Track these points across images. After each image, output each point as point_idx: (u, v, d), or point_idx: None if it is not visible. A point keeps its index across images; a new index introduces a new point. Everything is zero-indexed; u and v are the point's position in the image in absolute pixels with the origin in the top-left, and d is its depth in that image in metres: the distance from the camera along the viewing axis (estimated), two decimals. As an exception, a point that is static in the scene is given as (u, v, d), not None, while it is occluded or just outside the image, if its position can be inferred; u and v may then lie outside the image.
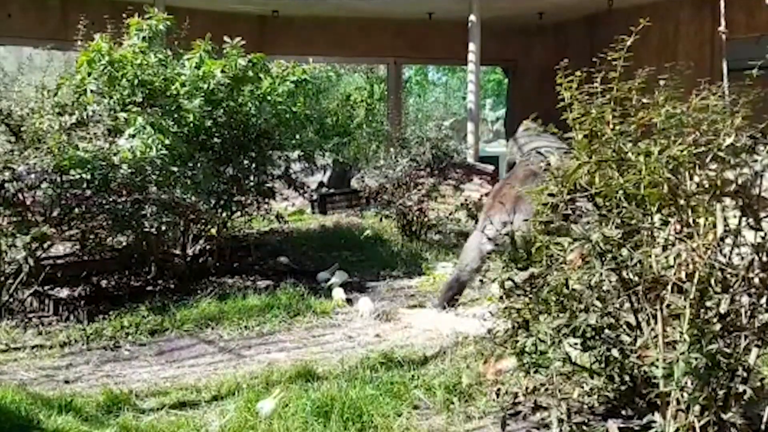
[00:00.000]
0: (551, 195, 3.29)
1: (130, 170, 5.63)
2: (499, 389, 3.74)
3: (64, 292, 6.15)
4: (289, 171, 7.65)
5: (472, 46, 14.04)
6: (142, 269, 6.64)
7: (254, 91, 6.80)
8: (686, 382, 2.62)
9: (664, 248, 2.78)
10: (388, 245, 8.15)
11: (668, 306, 2.71)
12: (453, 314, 5.60)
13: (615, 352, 3.15)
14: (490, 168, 12.39)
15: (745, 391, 2.74)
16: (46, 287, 5.96)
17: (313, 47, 14.94)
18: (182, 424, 3.54)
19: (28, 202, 5.59)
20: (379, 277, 7.02)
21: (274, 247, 7.73)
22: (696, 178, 2.91)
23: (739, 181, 2.84)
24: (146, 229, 5.89)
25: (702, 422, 2.62)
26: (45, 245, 5.46)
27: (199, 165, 6.29)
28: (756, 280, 2.86)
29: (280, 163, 7.57)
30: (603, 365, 3.29)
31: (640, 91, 3.23)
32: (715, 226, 2.83)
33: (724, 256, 2.90)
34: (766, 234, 2.90)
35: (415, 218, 8.32)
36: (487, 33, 14.19)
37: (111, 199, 5.66)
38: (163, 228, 6.16)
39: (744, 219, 2.91)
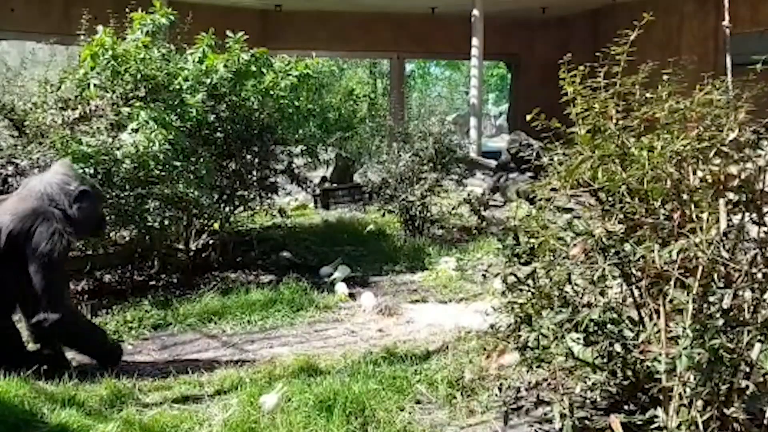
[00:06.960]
0: (554, 190, 3.28)
1: (133, 165, 5.64)
2: (501, 384, 3.74)
3: (67, 287, 6.15)
4: (291, 166, 7.64)
5: (475, 41, 14.02)
6: (145, 264, 6.64)
7: (257, 85, 6.79)
8: (689, 378, 2.62)
9: (667, 243, 2.77)
10: (390, 240, 8.15)
11: (671, 301, 2.71)
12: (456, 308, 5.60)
13: (618, 347, 3.14)
14: (493, 163, 12.39)
15: (747, 387, 2.73)
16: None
17: (315, 42, 14.95)
18: (185, 419, 3.55)
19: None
20: (381, 271, 7.00)
21: (276, 242, 7.73)
22: (699, 173, 2.90)
23: (743, 176, 2.83)
24: (149, 224, 5.88)
25: (704, 417, 2.62)
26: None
27: (202, 160, 6.29)
28: (759, 276, 2.85)
29: (283, 157, 7.57)
30: (605, 360, 3.28)
31: (643, 86, 3.22)
32: (718, 221, 2.83)
33: (728, 251, 2.89)
34: (769, 229, 2.90)
35: (417, 213, 8.32)
36: (490, 27, 14.17)
37: (114, 194, 5.66)
38: (166, 223, 6.16)
39: (747, 214, 2.90)
